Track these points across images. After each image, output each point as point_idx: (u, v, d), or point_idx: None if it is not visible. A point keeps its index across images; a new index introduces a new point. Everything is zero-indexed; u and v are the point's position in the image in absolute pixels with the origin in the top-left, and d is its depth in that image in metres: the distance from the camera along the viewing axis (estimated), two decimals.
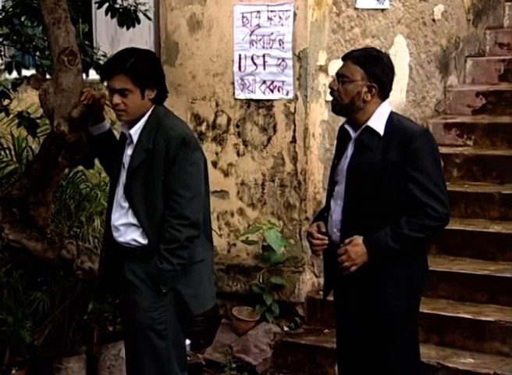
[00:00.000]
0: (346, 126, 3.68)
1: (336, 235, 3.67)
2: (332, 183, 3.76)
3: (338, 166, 3.70)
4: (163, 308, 3.70)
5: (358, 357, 3.72)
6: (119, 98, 3.66)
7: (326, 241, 3.71)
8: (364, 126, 3.60)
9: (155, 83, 3.73)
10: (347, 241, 3.57)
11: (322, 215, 3.85)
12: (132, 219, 3.70)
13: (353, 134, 3.65)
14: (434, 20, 6.75)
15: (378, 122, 3.59)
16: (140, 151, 3.68)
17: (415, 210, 3.50)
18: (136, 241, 3.71)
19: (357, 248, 3.54)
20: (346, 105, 3.60)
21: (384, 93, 3.62)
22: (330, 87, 3.66)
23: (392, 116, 3.63)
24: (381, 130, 3.58)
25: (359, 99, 3.57)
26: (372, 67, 3.57)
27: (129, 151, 3.74)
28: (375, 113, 3.60)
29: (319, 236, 3.71)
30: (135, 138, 3.72)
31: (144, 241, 3.69)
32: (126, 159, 3.74)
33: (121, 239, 3.74)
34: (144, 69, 3.68)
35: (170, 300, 3.71)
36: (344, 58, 3.67)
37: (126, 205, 3.71)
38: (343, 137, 3.75)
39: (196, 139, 3.85)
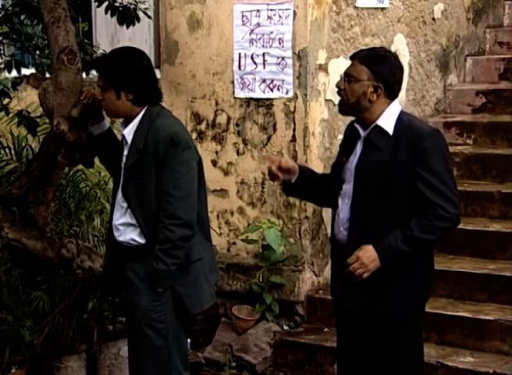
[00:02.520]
0: (356, 125, 3.65)
1: (343, 234, 3.64)
2: (339, 180, 3.70)
3: (346, 164, 3.66)
4: (161, 308, 3.71)
5: (359, 358, 3.70)
6: (100, 93, 3.78)
7: (279, 175, 3.69)
8: (373, 125, 3.57)
9: (130, 87, 3.71)
10: (357, 250, 3.52)
11: (309, 171, 3.90)
12: (130, 219, 3.73)
13: (362, 133, 3.62)
14: (434, 19, 6.75)
15: (387, 121, 3.56)
16: (133, 151, 3.71)
17: (425, 211, 3.47)
18: (134, 240, 3.74)
19: (368, 253, 3.49)
20: (352, 105, 3.57)
21: (392, 93, 3.58)
22: (337, 87, 3.63)
23: (402, 116, 3.59)
24: (390, 129, 3.55)
25: (365, 99, 3.55)
26: (379, 67, 3.54)
27: (125, 152, 3.77)
28: (385, 113, 3.56)
29: (274, 171, 3.68)
30: (129, 139, 3.75)
31: (142, 241, 3.71)
32: (123, 160, 3.78)
33: (121, 238, 3.77)
34: (117, 71, 3.70)
35: (168, 299, 3.71)
36: (352, 58, 3.64)
37: (125, 205, 3.74)
38: (351, 135, 3.70)
39: (188, 138, 3.79)
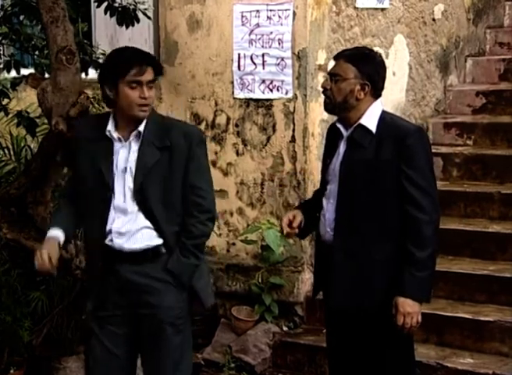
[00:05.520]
0: (338, 125, 3.68)
1: (330, 234, 3.66)
2: (323, 182, 3.75)
3: (330, 165, 3.70)
4: (183, 304, 3.66)
5: (350, 356, 3.71)
6: (149, 90, 3.55)
7: (296, 231, 3.77)
8: (356, 124, 3.61)
9: None
10: (396, 312, 3.51)
11: (306, 205, 3.91)
12: (144, 222, 3.58)
13: (344, 133, 3.65)
14: (434, 20, 6.75)
15: (370, 120, 3.60)
16: (152, 150, 3.58)
17: (407, 211, 3.50)
18: (148, 243, 3.60)
19: (404, 304, 3.49)
20: (339, 104, 3.60)
21: (376, 91, 3.63)
22: (323, 87, 3.67)
23: (384, 115, 3.64)
24: (373, 127, 3.59)
25: (352, 97, 3.58)
26: (365, 65, 3.58)
27: (123, 154, 3.60)
28: (367, 111, 3.60)
29: (288, 229, 3.76)
30: (134, 139, 3.60)
31: (158, 242, 3.60)
32: (128, 163, 3.59)
33: (126, 245, 3.59)
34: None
35: (186, 295, 3.68)
36: (336, 58, 3.68)
37: (135, 208, 3.58)
38: (333, 136, 3.75)
39: None
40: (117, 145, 3.61)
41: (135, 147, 3.60)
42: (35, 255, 3.58)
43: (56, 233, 3.66)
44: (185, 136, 3.61)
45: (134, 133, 3.59)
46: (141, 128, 3.59)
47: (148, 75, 3.54)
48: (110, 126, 3.60)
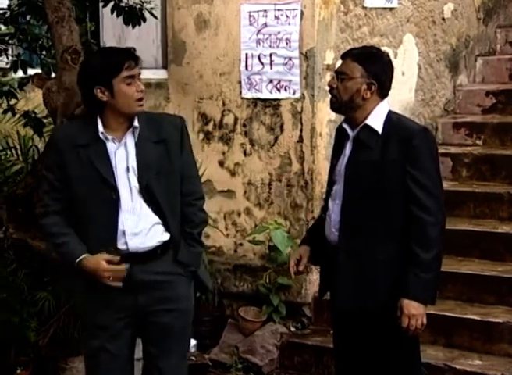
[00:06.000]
0: (344, 125, 3.66)
1: (335, 235, 3.64)
2: (330, 183, 3.74)
3: (336, 166, 3.68)
4: (192, 292, 3.72)
5: (356, 356, 3.69)
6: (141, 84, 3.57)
7: (303, 272, 3.88)
8: (362, 124, 3.59)
9: None
10: (400, 314, 3.49)
11: (316, 228, 3.86)
12: (153, 219, 3.56)
13: (351, 133, 3.64)
14: (444, 19, 6.71)
15: (376, 120, 3.58)
16: (150, 146, 3.55)
17: (411, 212, 3.48)
18: (159, 239, 3.58)
19: (408, 305, 3.47)
20: (345, 103, 3.58)
21: (383, 91, 3.60)
22: (329, 85, 3.65)
23: (390, 115, 3.61)
24: (379, 128, 3.56)
25: (358, 96, 3.56)
26: (372, 65, 3.56)
27: (121, 154, 3.54)
28: (374, 112, 3.58)
29: (294, 269, 3.81)
30: (129, 137, 3.56)
31: (167, 237, 3.59)
32: (129, 162, 3.54)
33: (142, 245, 3.56)
34: None
35: (193, 283, 3.72)
36: (343, 57, 3.66)
37: (143, 206, 3.55)
38: (340, 137, 3.73)
39: None
40: (111, 147, 3.55)
41: (131, 145, 3.56)
42: (107, 276, 3.51)
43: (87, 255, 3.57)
44: (176, 127, 3.65)
45: (130, 130, 3.55)
46: (136, 123, 3.55)
47: (137, 68, 3.54)
48: (101, 129, 3.54)
